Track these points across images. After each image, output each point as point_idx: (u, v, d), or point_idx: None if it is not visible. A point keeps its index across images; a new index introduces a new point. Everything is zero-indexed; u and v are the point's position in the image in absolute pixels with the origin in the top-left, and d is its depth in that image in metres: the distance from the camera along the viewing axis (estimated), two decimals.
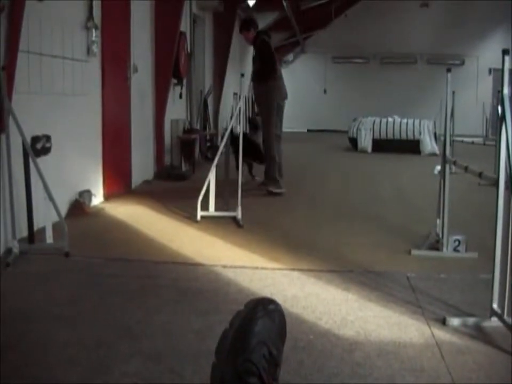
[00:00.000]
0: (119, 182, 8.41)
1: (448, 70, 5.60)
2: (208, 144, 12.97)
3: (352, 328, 3.80)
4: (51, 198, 5.36)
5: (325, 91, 24.08)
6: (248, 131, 8.81)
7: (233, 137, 7.52)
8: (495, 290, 3.80)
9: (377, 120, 15.68)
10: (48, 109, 6.32)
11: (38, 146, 5.85)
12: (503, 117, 3.78)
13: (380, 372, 3.21)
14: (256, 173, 9.55)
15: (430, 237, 5.80)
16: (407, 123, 15.35)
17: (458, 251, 5.46)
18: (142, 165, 9.40)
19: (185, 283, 4.66)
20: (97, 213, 7.10)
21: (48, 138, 6.08)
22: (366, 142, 15.50)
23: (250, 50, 8.90)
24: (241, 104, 7.35)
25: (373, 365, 3.29)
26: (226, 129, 7.46)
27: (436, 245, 5.64)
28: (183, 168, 10.64)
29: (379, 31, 22.48)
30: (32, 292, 4.43)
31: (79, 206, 6.86)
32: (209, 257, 5.34)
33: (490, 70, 22.26)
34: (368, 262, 5.29)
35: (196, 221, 6.67)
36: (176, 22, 10.14)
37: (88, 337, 3.59)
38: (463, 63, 22.76)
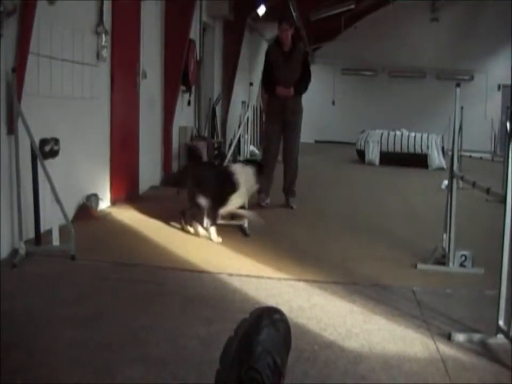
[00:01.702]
0: (126, 187, 8.41)
1: (457, 85, 5.58)
2: (216, 152, 12.97)
3: (357, 341, 3.78)
4: (58, 201, 5.37)
5: (333, 102, 24.07)
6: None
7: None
8: (501, 307, 3.78)
9: (385, 133, 15.65)
10: (57, 112, 6.33)
11: (46, 149, 5.85)
12: (511, 133, 3.78)
13: None
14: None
15: (436, 251, 5.78)
16: (415, 137, 15.32)
17: (464, 266, 5.45)
18: (149, 170, 9.41)
19: (191, 290, 4.65)
20: (104, 217, 7.10)
21: (56, 141, 6.08)
22: (373, 154, 15.48)
23: (260, 59, 8.69)
24: (250, 113, 7.34)
25: (377, 379, 3.28)
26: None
27: (442, 260, 5.62)
28: None
29: (388, 44, 22.47)
30: (38, 293, 4.43)
31: (86, 210, 6.86)
32: (215, 265, 5.33)
33: (499, 86, 22.22)
34: (374, 274, 5.28)
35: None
36: (186, 29, 10.16)
37: (93, 340, 3.59)
38: (472, 78, 22.71)
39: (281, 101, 8.26)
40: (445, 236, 5.66)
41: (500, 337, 3.77)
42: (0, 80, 5.20)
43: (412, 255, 5.91)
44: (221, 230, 6.61)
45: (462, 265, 5.45)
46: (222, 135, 14.35)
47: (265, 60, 8.51)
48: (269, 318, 2.10)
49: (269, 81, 8.46)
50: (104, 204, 7.58)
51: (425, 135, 15.28)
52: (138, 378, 3.13)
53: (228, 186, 6.54)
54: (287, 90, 8.14)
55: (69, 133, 6.50)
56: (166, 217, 7.17)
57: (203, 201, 6.32)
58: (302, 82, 8.28)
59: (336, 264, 5.62)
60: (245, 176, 6.66)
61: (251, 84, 8.07)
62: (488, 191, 4.47)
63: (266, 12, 14.36)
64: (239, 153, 9.34)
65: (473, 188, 4.92)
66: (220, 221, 6.79)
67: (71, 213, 6.46)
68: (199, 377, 3.14)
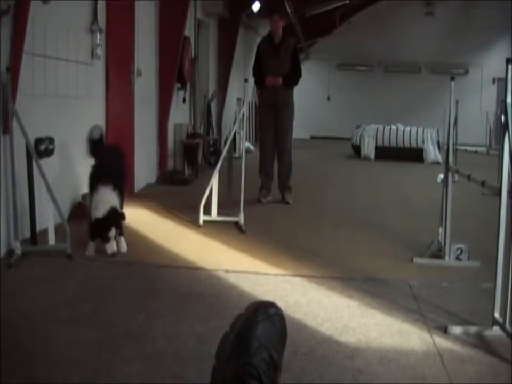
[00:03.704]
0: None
1: (452, 79, 5.59)
2: (211, 149, 12.97)
3: (354, 335, 3.79)
4: (54, 200, 5.37)
5: (328, 98, 24.06)
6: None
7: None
8: (497, 299, 3.80)
9: (381, 127, 15.65)
10: (52, 111, 6.32)
11: (41, 148, 5.86)
12: (506, 126, 3.78)
13: (381, 380, 3.21)
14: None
15: (432, 245, 5.79)
16: (410, 131, 15.32)
17: (460, 260, 5.46)
18: (145, 168, 9.40)
19: (187, 287, 4.66)
20: None
21: (51, 140, 6.09)
22: (369, 149, 15.48)
23: (254, 56, 8.66)
24: (245, 109, 7.34)
25: (374, 373, 3.29)
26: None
27: (438, 253, 5.64)
28: (186, 173, 10.64)
29: (383, 39, 22.45)
30: (34, 293, 4.43)
31: (81, 209, 6.85)
32: (212, 261, 5.34)
33: (494, 80, 22.22)
34: (370, 269, 5.29)
35: (198, 226, 6.67)
36: (181, 26, 10.15)
37: (90, 339, 3.60)
38: (467, 72, 22.73)
39: (272, 93, 8.31)
40: (440, 230, 5.67)
41: (496, 329, 3.78)
42: None
43: (408, 249, 5.93)
44: (216, 226, 6.63)
45: (458, 258, 5.46)
46: (218, 132, 14.36)
47: (256, 52, 8.59)
48: (265, 312, 2.10)
49: (258, 73, 8.53)
50: None
51: (420, 129, 15.28)
52: (136, 376, 3.14)
53: None
54: (276, 79, 8.17)
55: (64, 131, 6.50)
56: (161, 215, 7.18)
57: None
58: (292, 76, 8.32)
59: (333, 259, 5.63)
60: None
61: (246, 80, 8.02)
62: (483, 184, 4.48)
63: (260, 9, 14.35)
64: (234, 150, 9.35)
65: (468, 181, 4.93)
66: (216, 218, 6.82)
67: (66, 212, 6.47)
68: (197, 374, 3.14)
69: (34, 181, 5.43)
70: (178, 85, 10.86)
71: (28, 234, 5.55)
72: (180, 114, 11.24)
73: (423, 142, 15.04)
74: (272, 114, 8.40)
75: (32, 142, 5.46)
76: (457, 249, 5.45)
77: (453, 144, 5.86)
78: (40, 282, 4.68)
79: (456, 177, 6.48)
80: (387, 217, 7.78)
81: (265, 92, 8.48)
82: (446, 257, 5.48)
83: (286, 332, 2.14)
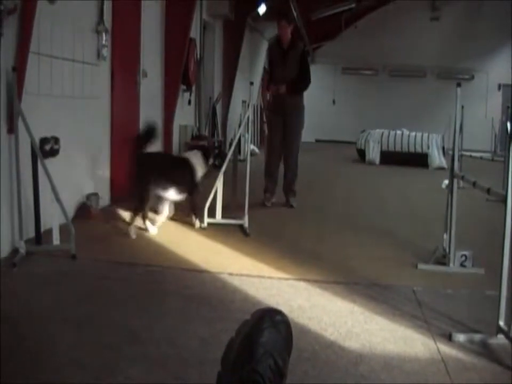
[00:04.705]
0: (126, 185, 8.37)
1: (458, 85, 5.57)
2: (216, 151, 12.95)
3: (358, 341, 3.78)
4: (58, 200, 5.36)
5: (333, 102, 24.08)
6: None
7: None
8: (501, 307, 3.78)
9: (386, 132, 15.64)
10: (57, 111, 6.32)
11: (47, 148, 5.86)
12: None
13: None
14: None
15: (437, 251, 5.78)
16: (415, 136, 15.31)
17: (465, 266, 5.44)
18: None
19: (191, 290, 4.65)
20: (104, 216, 7.07)
21: (56, 140, 6.09)
22: (374, 154, 15.47)
23: (260, 59, 8.65)
24: (250, 112, 7.33)
25: (378, 378, 3.28)
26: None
27: (443, 260, 5.62)
28: None
29: (389, 43, 22.46)
30: (38, 293, 4.42)
31: (86, 209, 6.85)
32: (216, 264, 5.32)
33: (499, 86, 22.21)
34: (375, 274, 5.27)
35: (203, 228, 6.66)
36: (186, 28, 10.17)
37: (93, 340, 3.59)
38: (472, 78, 22.70)
39: (281, 97, 8.26)
40: (445, 236, 5.65)
41: (501, 338, 3.76)
42: (1, 79, 5.20)
43: (413, 255, 5.91)
44: (220, 229, 6.62)
45: (462, 265, 5.45)
46: (223, 134, 14.36)
47: (267, 57, 8.55)
48: (270, 319, 2.09)
49: (269, 78, 8.47)
50: (105, 202, 7.57)
51: (425, 135, 15.27)
52: (139, 378, 3.13)
53: (188, 174, 6.81)
54: (280, 87, 8.14)
55: (69, 132, 6.50)
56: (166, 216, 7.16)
57: (172, 194, 6.69)
58: (299, 82, 8.25)
59: (337, 263, 5.61)
60: (197, 161, 6.91)
61: (251, 83, 8.01)
62: (488, 191, 4.46)
63: (266, 11, 14.36)
64: (239, 152, 9.34)
65: (473, 187, 4.91)
66: (221, 220, 6.80)
67: (71, 212, 6.46)
68: (200, 377, 3.14)
69: (39, 180, 5.43)
70: (183, 87, 10.88)
71: (32, 233, 5.54)
72: (185, 115, 11.25)
73: (428, 147, 15.02)
74: (281, 118, 8.36)
75: (37, 141, 5.46)
76: (462, 256, 5.44)
77: (458, 150, 5.83)
78: (43, 282, 4.67)
79: (461, 183, 6.45)
80: (391, 223, 7.76)
81: (275, 96, 8.43)
82: (451, 264, 5.46)
83: (292, 339, 2.13)
